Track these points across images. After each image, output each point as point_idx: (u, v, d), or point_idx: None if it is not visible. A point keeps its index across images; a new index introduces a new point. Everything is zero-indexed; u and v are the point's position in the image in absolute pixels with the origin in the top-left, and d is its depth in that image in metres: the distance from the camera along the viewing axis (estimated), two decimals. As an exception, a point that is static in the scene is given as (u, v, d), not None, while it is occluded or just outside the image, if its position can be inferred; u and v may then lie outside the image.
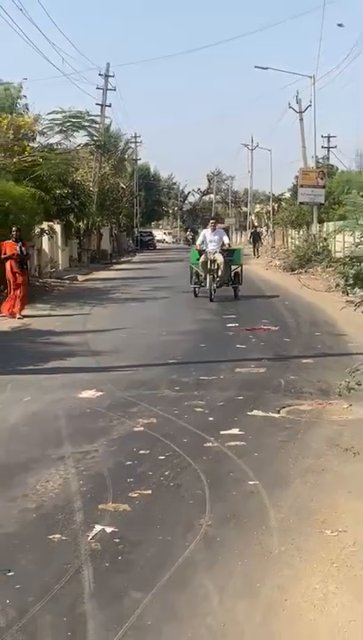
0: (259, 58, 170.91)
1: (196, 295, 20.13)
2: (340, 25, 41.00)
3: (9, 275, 17.08)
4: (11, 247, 17.21)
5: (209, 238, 19.82)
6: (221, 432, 6.96)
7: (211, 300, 18.77)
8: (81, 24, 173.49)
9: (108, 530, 4.74)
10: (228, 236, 32.73)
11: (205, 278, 19.41)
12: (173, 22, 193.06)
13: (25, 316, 16.51)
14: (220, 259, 18.97)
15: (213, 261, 19.01)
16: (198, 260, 19.54)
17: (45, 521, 4.93)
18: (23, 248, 17.56)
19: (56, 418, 7.65)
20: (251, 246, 51.11)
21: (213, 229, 20.17)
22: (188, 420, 7.40)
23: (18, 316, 16.42)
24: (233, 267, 20.16)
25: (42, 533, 4.71)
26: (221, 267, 18.93)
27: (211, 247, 19.54)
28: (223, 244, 19.75)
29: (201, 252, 19.47)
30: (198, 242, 20.49)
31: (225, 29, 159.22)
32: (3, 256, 17.16)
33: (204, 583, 4.05)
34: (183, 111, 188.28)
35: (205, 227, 22.09)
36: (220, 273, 18.98)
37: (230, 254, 20.03)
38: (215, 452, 6.41)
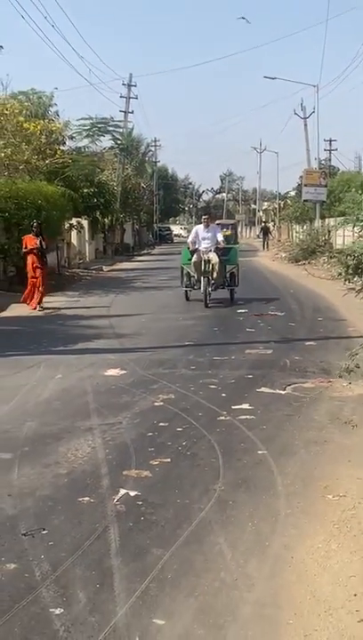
0: (269, 68, 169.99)
1: (187, 299, 16.24)
2: (243, 18, 41.01)
3: (30, 268, 16.10)
4: (31, 241, 16.09)
5: (202, 235, 15.56)
6: (233, 407, 6.96)
7: (206, 306, 14.81)
8: (106, 38, 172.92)
9: (132, 493, 4.76)
10: (236, 231, 31.88)
11: (199, 280, 15.38)
12: (191, 35, 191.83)
13: (45, 308, 15.74)
14: (214, 258, 14.92)
15: (208, 262, 14.91)
16: (190, 260, 15.47)
17: (76, 485, 4.96)
18: (43, 242, 16.21)
19: (84, 393, 7.68)
20: (260, 240, 51.01)
21: (207, 226, 15.85)
22: (203, 396, 7.41)
23: (38, 307, 15.61)
24: (228, 267, 15.99)
25: (73, 496, 4.75)
26: (216, 267, 14.97)
27: (204, 245, 15.33)
28: (218, 243, 15.56)
29: (193, 252, 15.41)
30: (190, 239, 15.94)
31: (240, 41, 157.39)
32: (23, 250, 16.39)
33: (218, 541, 4.06)
34: (199, 117, 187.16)
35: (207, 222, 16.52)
36: (215, 275, 15.02)
37: (226, 253, 15.82)
38: (228, 424, 6.41)
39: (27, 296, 15.93)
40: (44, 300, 16.17)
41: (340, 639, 3.14)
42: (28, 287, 15.94)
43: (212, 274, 15.00)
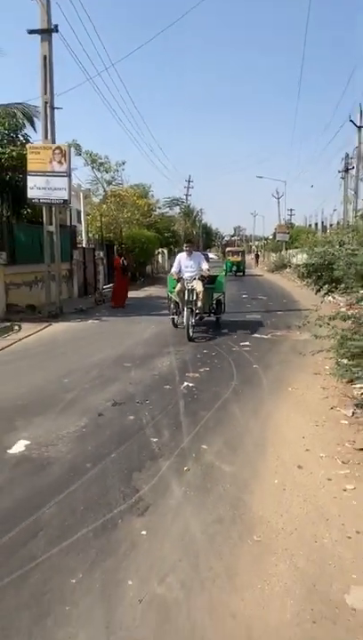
0: (260, 171, 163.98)
1: (175, 326, 8.12)
2: None
3: (118, 278, 12.46)
4: (117, 260, 12.82)
5: (184, 263, 7.66)
6: (241, 343, 6.87)
7: (189, 339, 7.09)
8: (180, 151, 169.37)
9: (190, 384, 4.76)
10: (244, 257, 29.88)
11: (183, 310, 7.55)
12: (222, 157, 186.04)
13: (125, 305, 12.09)
14: (199, 287, 7.40)
15: (191, 291, 7.39)
16: (175, 288, 7.63)
17: (162, 379, 4.98)
18: (125, 261, 12.63)
19: (166, 335, 7.67)
20: (254, 261, 50.13)
21: (190, 253, 7.72)
22: (225, 338, 7.35)
23: (121, 306, 11.92)
24: (215, 295, 8.26)
25: (161, 385, 4.77)
26: (201, 296, 7.39)
27: (187, 274, 7.56)
28: (202, 271, 7.56)
29: (178, 280, 7.57)
30: (174, 269, 7.73)
31: (243, 157, 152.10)
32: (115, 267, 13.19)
33: (234, 410, 4.04)
34: (222, 197, 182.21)
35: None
36: (199, 304, 7.43)
37: (211, 281, 7.98)
38: (238, 352, 6.33)
39: (113, 297, 12.43)
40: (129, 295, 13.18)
41: (294, 458, 3.11)
42: (119, 291, 12.35)
43: (196, 303, 7.43)
